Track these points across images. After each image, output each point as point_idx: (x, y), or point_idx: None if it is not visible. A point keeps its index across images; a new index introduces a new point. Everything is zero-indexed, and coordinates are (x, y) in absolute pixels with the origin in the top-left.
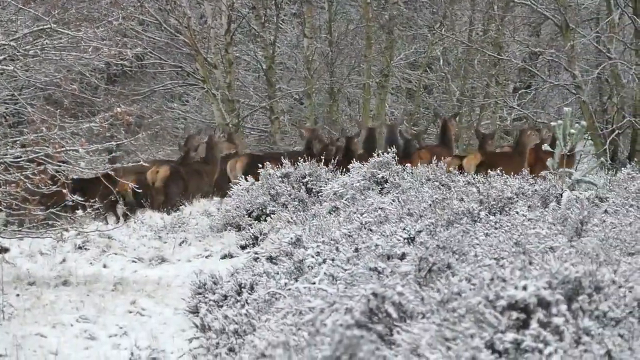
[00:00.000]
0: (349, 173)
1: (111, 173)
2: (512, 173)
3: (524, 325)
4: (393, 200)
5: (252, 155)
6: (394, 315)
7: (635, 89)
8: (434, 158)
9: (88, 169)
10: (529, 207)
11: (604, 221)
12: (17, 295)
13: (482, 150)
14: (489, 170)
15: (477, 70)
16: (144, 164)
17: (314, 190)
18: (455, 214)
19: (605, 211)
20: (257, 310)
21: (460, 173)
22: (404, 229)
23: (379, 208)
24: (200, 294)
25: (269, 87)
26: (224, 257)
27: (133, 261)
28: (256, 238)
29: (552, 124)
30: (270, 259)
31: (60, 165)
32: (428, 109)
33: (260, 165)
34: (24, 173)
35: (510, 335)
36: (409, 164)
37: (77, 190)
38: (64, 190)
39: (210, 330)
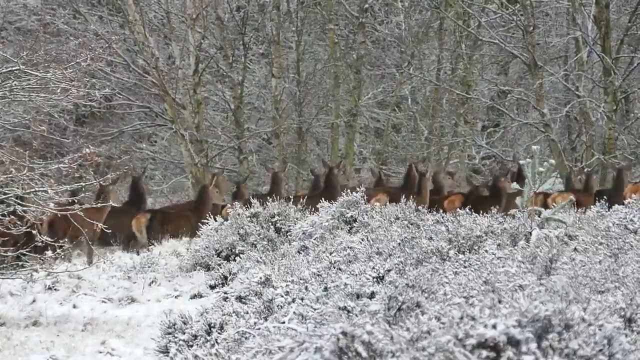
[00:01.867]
0: (317, 212)
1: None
2: None
3: None
4: (362, 239)
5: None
6: (364, 354)
7: (604, 127)
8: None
9: (58, 210)
10: (498, 245)
11: (574, 259)
12: None
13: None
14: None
15: (446, 109)
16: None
17: (283, 229)
18: (425, 253)
19: (575, 249)
20: (227, 349)
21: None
22: (373, 268)
23: (348, 247)
24: (170, 333)
25: (237, 127)
26: (193, 297)
27: (103, 301)
28: (225, 278)
29: (521, 162)
30: (239, 298)
31: (29, 206)
32: (397, 148)
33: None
34: None
35: None
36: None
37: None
38: (34, 231)
39: None
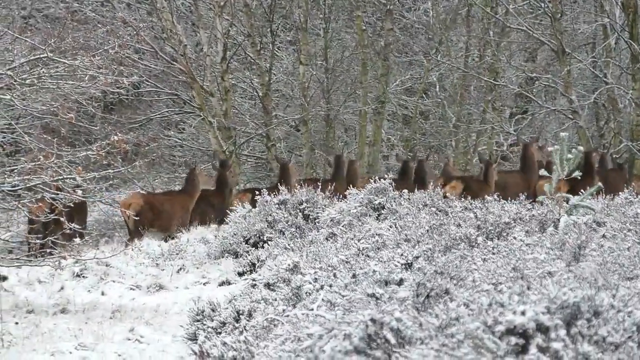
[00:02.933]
0: (345, 199)
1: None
2: None
3: (522, 350)
4: (390, 226)
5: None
6: (393, 341)
7: (632, 114)
8: None
9: (84, 197)
10: (527, 232)
11: (602, 246)
12: (16, 323)
13: None
14: None
15: (474, 96)
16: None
17: (311, 216)
18: (453, 240)
19: (603, 236)
20: (256, 336)
21: None
22: (402, 254)
23: (376, 234)
24: (198, 320)
25: (265, 115)
26: (221, 284)
27: (131, 288)
28: (253, 265)
29: (549, 149)
30: (267, 285)
31: (57, 194)
32: (424, 135)
33: None
34: (21, 202)
35: None
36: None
37: None
38: (62, 219)
39: (209, 357)
